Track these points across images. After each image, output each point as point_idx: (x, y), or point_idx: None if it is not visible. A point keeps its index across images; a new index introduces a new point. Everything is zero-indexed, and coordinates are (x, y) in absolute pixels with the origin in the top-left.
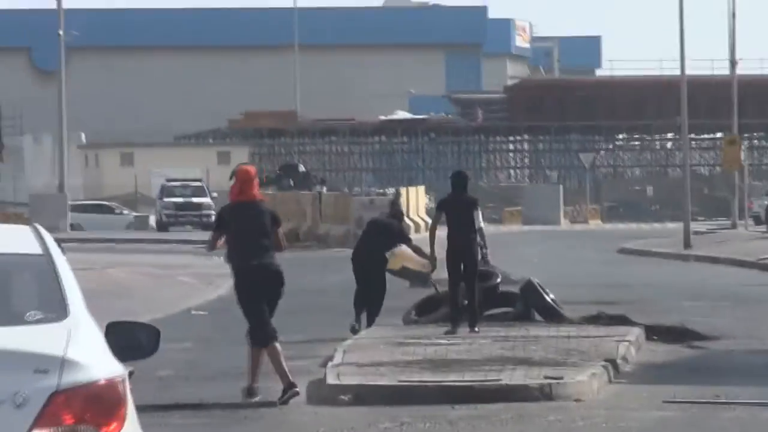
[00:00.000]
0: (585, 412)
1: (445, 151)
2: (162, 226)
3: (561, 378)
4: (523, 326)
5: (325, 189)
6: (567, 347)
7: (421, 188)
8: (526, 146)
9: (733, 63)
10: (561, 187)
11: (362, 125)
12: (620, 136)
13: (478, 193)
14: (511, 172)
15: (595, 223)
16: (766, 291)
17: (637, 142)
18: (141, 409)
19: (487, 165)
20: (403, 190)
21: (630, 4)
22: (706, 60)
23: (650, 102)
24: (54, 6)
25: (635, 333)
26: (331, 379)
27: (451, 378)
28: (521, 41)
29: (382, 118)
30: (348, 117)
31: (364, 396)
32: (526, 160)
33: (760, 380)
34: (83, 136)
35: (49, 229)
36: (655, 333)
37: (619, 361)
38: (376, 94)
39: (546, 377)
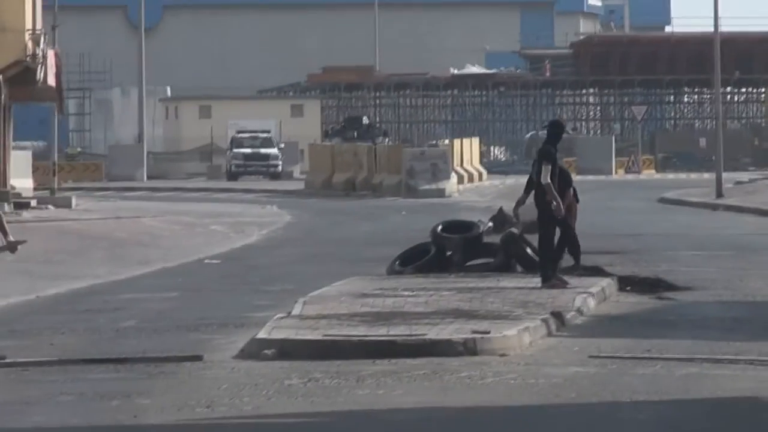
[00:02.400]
0: (502, 368)
1: (513, 105)
2: (231, 176)
3: (488, 332)
4: (495, 277)
5: (388, 141)
6: (526, 299)
7: (476, 139)
8: (591, 99)
9: None
10: (613, 138)
11: (435, 79)
12: (685, 89)
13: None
14: (577, 124)
15: (648, 173)
16: None
17: (696, 96)
18: (65, 363)
19: (555, 117)
20: (456, 141)
21: None
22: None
23: (709, 57)
24: None
25: (602, 284)
26: (261, 333)
27: (381, 333)
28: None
29: (454, 72)
30: (422, 71)
31: (289, 351)
32: (591, 113)
33: (704, 333)
34: (168, 90)
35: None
36: (628, 284)
37: (573, 312)
38: (453, 51)
39: (473, 332)
